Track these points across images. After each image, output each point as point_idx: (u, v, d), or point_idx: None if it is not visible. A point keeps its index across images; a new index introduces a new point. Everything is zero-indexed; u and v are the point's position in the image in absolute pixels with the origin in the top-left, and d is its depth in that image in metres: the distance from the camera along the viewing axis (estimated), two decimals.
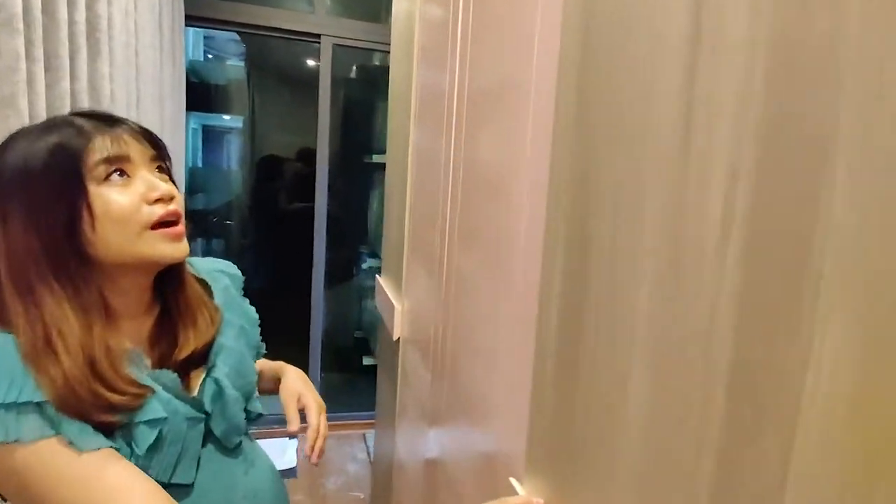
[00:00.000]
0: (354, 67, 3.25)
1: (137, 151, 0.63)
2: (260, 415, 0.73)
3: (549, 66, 0.52)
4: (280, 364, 0.89)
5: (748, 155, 0.29)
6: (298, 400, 0.82)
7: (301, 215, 3.23)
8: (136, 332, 0.65)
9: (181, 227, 0.64)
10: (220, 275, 0.79)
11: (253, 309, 0.80)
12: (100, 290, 0.61)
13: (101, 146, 0.61)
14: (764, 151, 0.28)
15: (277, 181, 3.54)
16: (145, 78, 1.54)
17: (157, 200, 0.62)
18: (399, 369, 1.28)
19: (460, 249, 0.79)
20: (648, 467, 0.37)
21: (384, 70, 3.17)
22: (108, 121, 0.64)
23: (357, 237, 3.29)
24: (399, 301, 1.28)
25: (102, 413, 0.56)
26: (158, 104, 1.75)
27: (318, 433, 0.79)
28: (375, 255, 3.10)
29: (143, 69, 1.52)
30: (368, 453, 2.47)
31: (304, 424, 0.80)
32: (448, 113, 0.89)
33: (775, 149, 0.27)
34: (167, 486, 0.59)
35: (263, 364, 0.88)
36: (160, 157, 0.66)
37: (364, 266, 3.21)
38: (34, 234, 0.58)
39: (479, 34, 0.74)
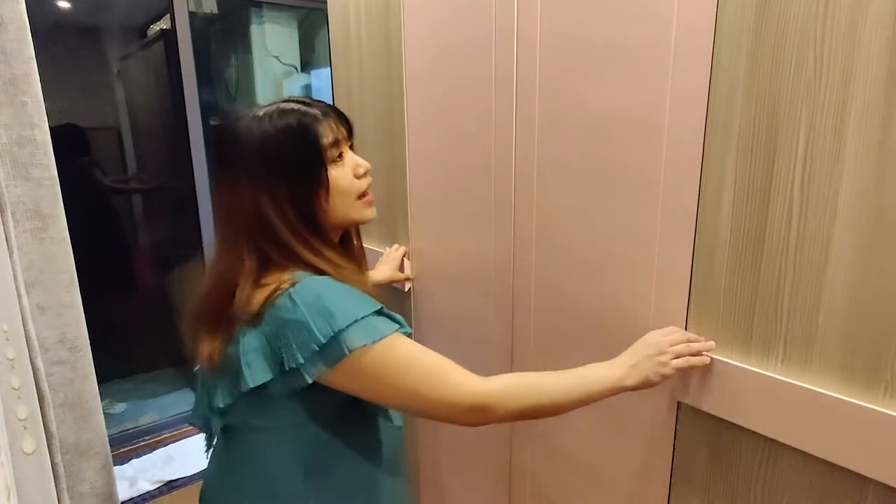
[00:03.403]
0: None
1: (342, 134, 0.78)
2: None
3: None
4: None
5: None
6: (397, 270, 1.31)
7: (128, 196, 2.83)
8: None
9: (372, 195, 0.82)
10: None
11: None
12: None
13: (327, 131, 0.75)
14: None
15: (86, 156, 3.03)
16: None
17: (363, 175, 0.80)
18: (412, 310, 1.39)
19: (563, 187, 0.95)
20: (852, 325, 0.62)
21: (213, 18, 2.88)
22: (320, 107, 0.77)
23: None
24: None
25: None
26: None
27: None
28: None
29: None
30: None
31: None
32: (503, 68, 1.01)
33: None
34: None
35: None
36: (351, 135, 0.81)
37: None
38: (290, 206, 0.73)
39: None
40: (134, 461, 2.33)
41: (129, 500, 2.11)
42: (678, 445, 0.86)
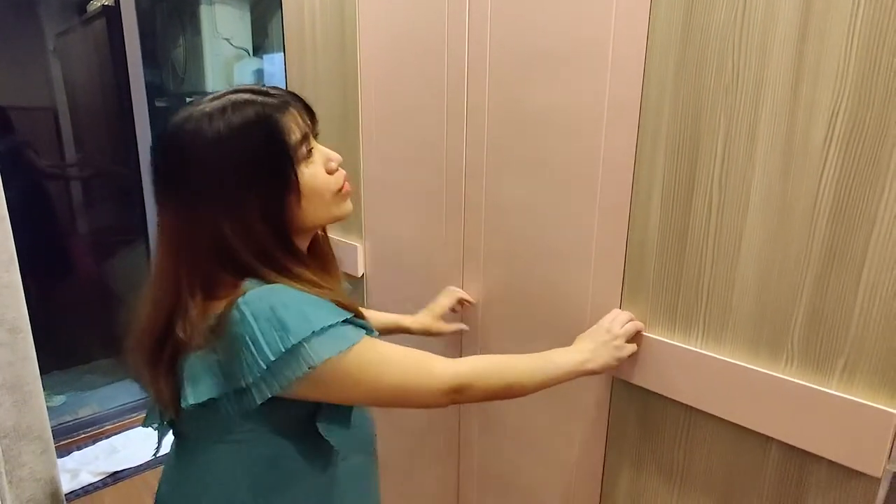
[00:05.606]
0: None
1: (308, 125, 0.70)
2: None
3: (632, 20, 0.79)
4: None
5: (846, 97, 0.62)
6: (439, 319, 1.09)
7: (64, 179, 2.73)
8: None
9: (349, 185, 0.74)
10: None
11: None
12: None
13: (293, 126, 0.66)
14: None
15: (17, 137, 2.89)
16: None
17: (336, 168, 0.72)
18: (365, 297, 1.43)
19: (511, 182, 1.01)
20: (756, 309, 0.71)
21: None
22: (279, 95, 0.68)
23: None
24: (358, 241, 1.40)
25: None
26: None
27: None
28: None
29: None
30: None
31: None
32: (454, 69, 1.06)
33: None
34: None
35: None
36: (315, 124, 0.72)
37: None
38: (258, 220, 0.64)
39: None
40: (75, 453, 2.26)
41: (71, 492, 2.05)
42: (612, 417, 0.94)
